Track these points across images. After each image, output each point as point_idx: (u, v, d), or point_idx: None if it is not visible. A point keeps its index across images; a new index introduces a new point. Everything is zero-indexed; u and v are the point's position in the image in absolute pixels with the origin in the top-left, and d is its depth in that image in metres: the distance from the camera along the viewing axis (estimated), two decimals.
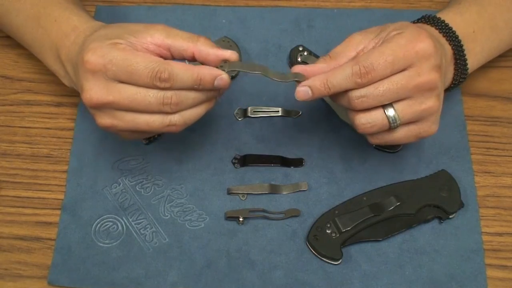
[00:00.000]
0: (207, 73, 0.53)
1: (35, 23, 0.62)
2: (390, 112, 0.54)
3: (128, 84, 0.53)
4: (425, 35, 0.53)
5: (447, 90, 0.62)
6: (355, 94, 0.53)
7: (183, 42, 0.55)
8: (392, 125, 0.54)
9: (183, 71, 0.53)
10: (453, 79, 0.61)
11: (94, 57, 0.52)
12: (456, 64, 0.60)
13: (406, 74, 0.53)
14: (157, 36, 0.55)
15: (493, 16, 0.62)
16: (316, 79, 0.54)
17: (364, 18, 0.74)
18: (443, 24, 0.60)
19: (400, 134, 0.56)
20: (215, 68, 0.54)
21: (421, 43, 0.53)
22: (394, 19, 0.73)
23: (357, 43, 0.56)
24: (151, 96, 0.53)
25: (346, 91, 0.54)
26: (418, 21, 0.62)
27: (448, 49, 0.59)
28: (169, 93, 0.53)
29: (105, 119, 0.55)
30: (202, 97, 0.55)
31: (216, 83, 0.54)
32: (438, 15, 0.61)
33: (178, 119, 0.54)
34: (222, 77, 0.54)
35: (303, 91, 0.55)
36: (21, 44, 0.67)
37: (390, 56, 0.52)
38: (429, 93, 0.54)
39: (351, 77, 0.53)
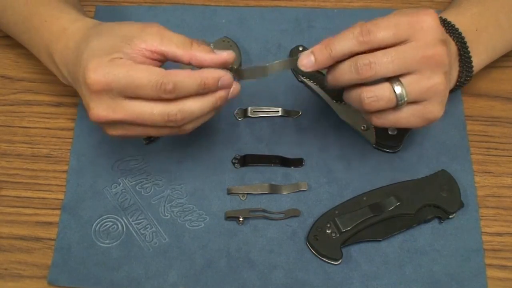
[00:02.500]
0: (210, 76, 0.53)
1: (28, 22, 0.62)
2: (398, 86, 0.52)
3: (134, 99, 0.53)
4: (431, 10, 0.52)
5: (452, 90, 0.61)
6: (363, 60, 0.51)
7: (177, 49, 0.54)
8: (399, 101, 0.53)
9: (187, 79, 0.52)
10: (458, 77, 0.60)
11: (96, 76, 0.52)
12: (460, 61, 0.59)
13: (414, 44, 0.51)
14: (151, 42, 0.54)
15: (496, 16, 0.62)
16: (319, 44, 0.54)
17: (364, 18, 0.73)
18: (445, 21, 0.59)
19: (406, 114, 0.54)
20: (217, 70, 0.54)
21: (425, 15, 0.51)
22: None
23: None
24: (156, 114, 0.53)
25: (354, 58, 0.52)
26: None
27: (453, 45, 0.59)
28: (173, 110, 0.53)
29: (116, 131, 0.56)
30: (207, 107, 0.55)
31: (220, 83, 0.54)
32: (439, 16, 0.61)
33: (185, 128, 0.55)
34: (225, 78, 0.54)
35: (305, 56, 0.54)
36: (20, 43, 0.67)
37: (393, 19, 0.51)
38: (438, 69, 0.52)
39: (353, 36, 0.52)
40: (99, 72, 0.52)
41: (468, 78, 0.61)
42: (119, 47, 0.54)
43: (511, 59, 0.67)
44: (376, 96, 0.53)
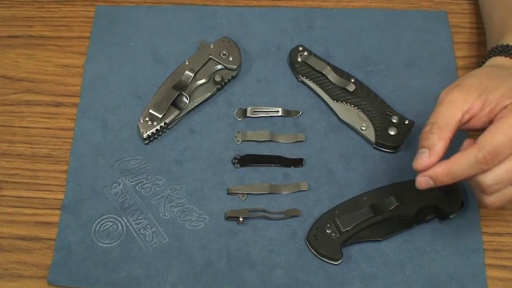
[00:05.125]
0: None
1: None
2: None
3: None
4: None
5: None
6: (488, 182, 0.52)
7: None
8: None
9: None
10: None
11: None
12: None
13: None
14: None
15: None
16: (438, 168, 0.53)
17: (364, 18, 0.74)
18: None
19: None
20: None
21: None
22: (394, 19, 0.74)
23: (461, 103, 0.54)
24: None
25: (478, 180, 0.53)
26: (490, 54, 0.61)
27: None
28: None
29: None
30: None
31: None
32: (505, 43, 0.60)
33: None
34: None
35: (424, 181, 0.54)
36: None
37: (500, 140, 0.51)
38: None
39: (476, 165, 0.51)
40: None
41: None
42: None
43: None
44: (502, 202, 0.54)
